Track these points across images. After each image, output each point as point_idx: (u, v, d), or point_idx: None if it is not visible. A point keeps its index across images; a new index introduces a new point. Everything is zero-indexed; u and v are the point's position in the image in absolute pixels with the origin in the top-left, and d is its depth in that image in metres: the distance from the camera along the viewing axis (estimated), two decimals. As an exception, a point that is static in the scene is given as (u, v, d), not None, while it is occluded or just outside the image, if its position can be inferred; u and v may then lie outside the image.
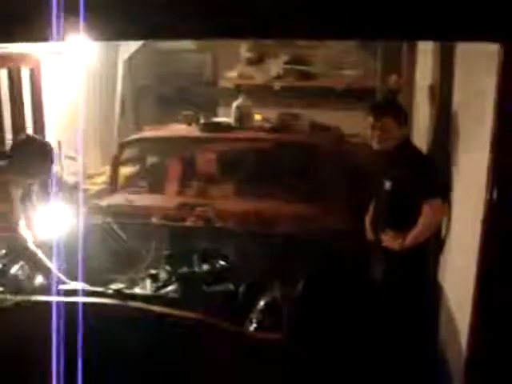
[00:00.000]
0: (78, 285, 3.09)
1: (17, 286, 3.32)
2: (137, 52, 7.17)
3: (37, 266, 3.34)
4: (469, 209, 3.10)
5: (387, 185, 3.60)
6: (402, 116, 3.67)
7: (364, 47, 7.11)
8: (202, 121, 5.30)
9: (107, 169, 5.56)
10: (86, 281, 2.92)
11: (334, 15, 2.15)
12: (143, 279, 3.51)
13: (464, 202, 3.30)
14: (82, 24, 1.91)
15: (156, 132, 5.60)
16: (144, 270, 3.58)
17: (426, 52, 4.56)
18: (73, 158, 4.30)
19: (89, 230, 3.60)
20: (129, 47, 7.04)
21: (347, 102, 6.80)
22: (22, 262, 3.48)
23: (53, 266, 3.25)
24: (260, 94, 6.94)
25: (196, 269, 3.60)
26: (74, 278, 3.21)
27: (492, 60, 2.42)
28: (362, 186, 4.08)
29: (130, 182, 5.41)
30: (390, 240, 3.60)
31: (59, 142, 5.87)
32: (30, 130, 5.88)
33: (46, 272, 3.29)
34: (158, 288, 3.40)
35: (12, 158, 3.54)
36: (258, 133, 5.14)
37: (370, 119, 3.60)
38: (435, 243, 3.72)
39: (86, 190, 5.07)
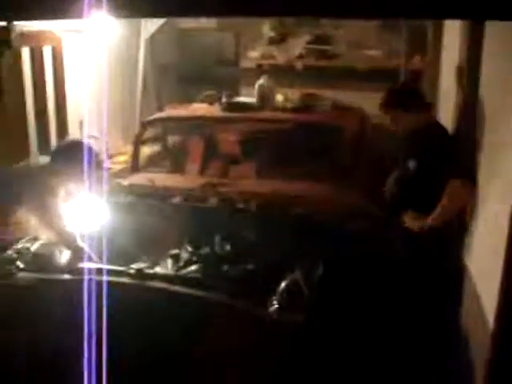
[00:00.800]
0: (100, 264, 3.10)
1: (39, 265, 3.35)
2: (158, 31, 7.13)
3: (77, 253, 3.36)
4: (496, 191, 3.05)
5: (411, 165, 3.58)
6: (414, 103, 3.72)
7: (388, 27, 7.01)
8: (224, 100, 5.26)
9: (129, 148, 5.57)
10: (109, 260, 2.92)
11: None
12: (164, 259, 3.51)
13: (491, 184, 3.24)
14: (103, 0, 1.88)
15: (178, 111, 5.58)
16: (165, 250, 3.58)
17: (453, 31, 4.47)
18: (96, 138, 4.29)
19: (110, 208, 3.59)
20: (150, 26, 7.01)
21: (370, 82, 6.71)
22: (42, 241, 3.51)
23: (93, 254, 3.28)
24: (282, 73, 6.90)
25: (217, 249, 3.60)
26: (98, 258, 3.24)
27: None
28: (384, 167, 4.04)
29: (152, 162, 5.41)
30: (411, 221, 3.60)
31: (81, 122, 5.89)
32: (51, 109, 5.92)
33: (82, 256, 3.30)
34: (179, 268, 3.40)
35: (57, 160, 3.58)
36: (280, 113, 5.09)
37: (382, 113, 3.79)
38: (460, 225, 3.67)
39: (108, 169, 5.07)
